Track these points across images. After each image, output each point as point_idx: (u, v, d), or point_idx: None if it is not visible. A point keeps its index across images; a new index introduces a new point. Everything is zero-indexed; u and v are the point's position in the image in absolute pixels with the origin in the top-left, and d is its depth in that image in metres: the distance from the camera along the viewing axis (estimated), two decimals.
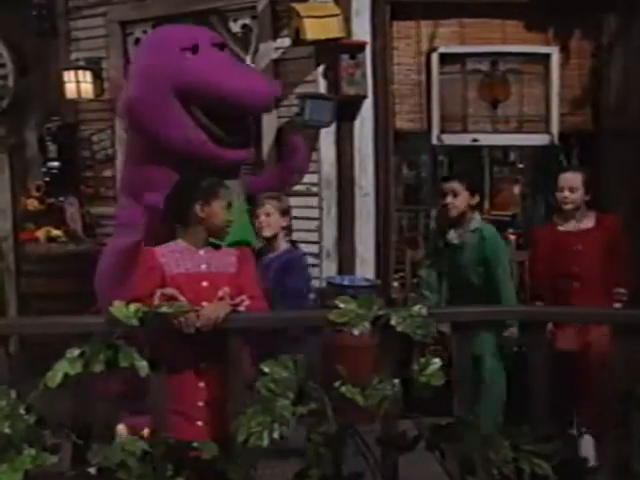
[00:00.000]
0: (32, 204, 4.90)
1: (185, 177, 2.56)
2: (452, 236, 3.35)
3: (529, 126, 4.33)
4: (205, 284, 2.38)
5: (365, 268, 4.11)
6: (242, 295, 2.34)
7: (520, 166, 6.84)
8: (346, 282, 3.91)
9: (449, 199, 3.31)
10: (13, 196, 5.21)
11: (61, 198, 4.84)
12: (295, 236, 4.16)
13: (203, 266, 2.42)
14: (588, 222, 3.29)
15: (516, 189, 7.25)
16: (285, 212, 3.26)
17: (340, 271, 4.12)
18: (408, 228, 5.99)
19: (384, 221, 4.16)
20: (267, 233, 3.21)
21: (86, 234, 4.82)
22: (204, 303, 2.27)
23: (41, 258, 4.71)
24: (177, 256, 2.42)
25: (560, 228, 3.33)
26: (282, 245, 3.25)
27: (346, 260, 4.12)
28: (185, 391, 2.32)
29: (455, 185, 3.30)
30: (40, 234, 4.75)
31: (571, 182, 3.26)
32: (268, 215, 3.20)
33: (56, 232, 4.70)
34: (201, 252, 2.45)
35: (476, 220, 3.35)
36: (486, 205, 7.40)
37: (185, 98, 3.02)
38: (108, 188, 4.84)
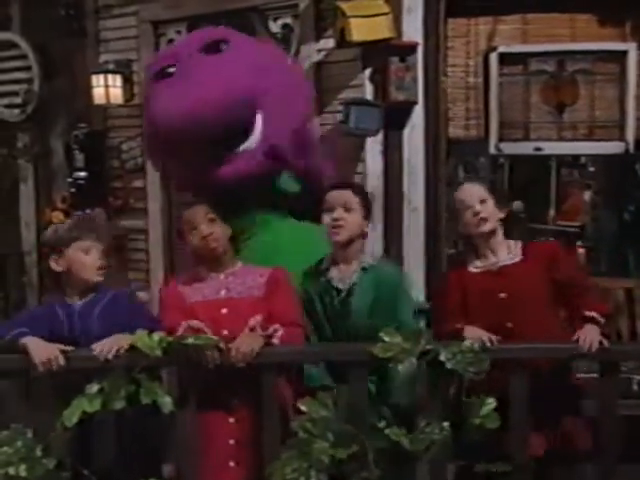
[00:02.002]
0: (57, 217, 4.97)
1: None
2: (334, 275, 2.61)
3: (601, 133, 4.23)
4: (224, 311, 2.41)
5: (414, 289, 4.07)
6: (274, 323, 2.36)
7: (591, 169, 6.68)
8: None
9: (339, 212, 2.57)
10: (37, 208, 5.35)
11: (88, 210, 4.92)
12: None
13: (222, 292, 2.46)
14: (509, 255, 2.61)
15: (586, 195, 7.08)
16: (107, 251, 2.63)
17: None
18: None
19: (435, 238, 4.11)
20: (101, 278, 2.52)
21: (115, 249, 4.90)
22: (224, 332, 2.31)
23: None
24: (196, 283, 2.47)
25: (472, 269, 2.62)
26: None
27: None
28: (214, 429, 2.34)
29: (348, 196, 2.61)
30: None
31: (478, 193, 2.60)
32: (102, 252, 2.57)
33: None
34: (221, 276, 2.49)
35: (367, 256, 2.66)
36: (551, 213, 7.28)
37: None
38: (138, 199, 4.92)
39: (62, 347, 2.25)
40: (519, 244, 2.63)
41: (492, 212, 2.58)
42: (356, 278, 2.58)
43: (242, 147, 3.12)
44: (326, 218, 2.60)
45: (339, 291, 2.59)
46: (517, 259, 2.59)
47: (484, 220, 2.57)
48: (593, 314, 2.44)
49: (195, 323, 2.30)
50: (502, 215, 2.62)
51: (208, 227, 2.47)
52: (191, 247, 2.51)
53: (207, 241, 2.46)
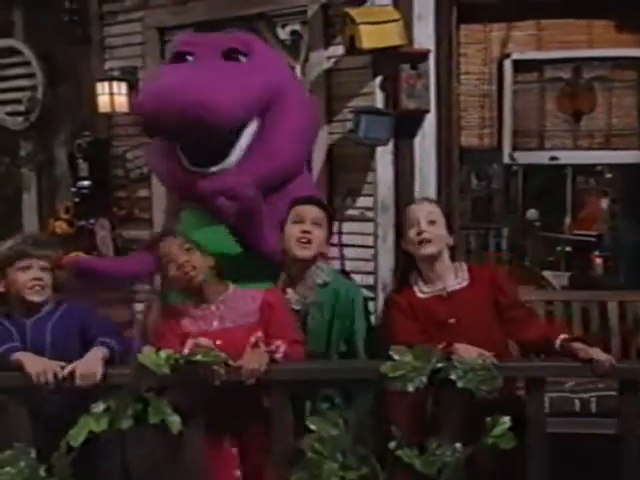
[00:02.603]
0: (60, 227, 5.04)
1: None
2: (291, 297, 2.62)
3: (618, 141, 4.24)
4: (219, 343, 2.41)
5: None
6: (277, 341, 2.37)
7: (609, 176, 6.66)
8: None
9: (309, 226, 2.59)
10: (40, 218, 5.37)
11: (92, 220, 4.97)
12: (349, 266, 4.20)
13: (215, 323, 2.49)
14: (457, 279, 2.57)
15: (604, 203, 7.07)
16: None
17: None
18: (476, 249, 5.91)
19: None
20: (40, 297, 2.57)
21: None
22: None
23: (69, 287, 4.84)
24: (190, 313, 2.50)
25: (419, 295, 2.56)
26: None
27: None
28: (219, 454, 2.36)
29: (318, 212, 2.65)
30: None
31: (427, 213, 2.55)
32: (44, 270, 2.58)
33: None
34: (212, 307, 2.50)
35: (323, 271, 2.64)
36: (567, 221, 7.27)
37: None
38: (143, 210, 4.94)
39: (56, 362, 2.28)
40: (464, 266, 2.60)
41: (438, 235, 2.52)
42: (314, 296, 2.61)
43: (216, 167, 3.17)
44: (294, 229, 2.59)
45: (297, 312, 2.60)
46: (465, 283, 2.55)
47: (427, 242, 2.51)
48: (576, 335, 2.49)
49: (203, 341, 2.33)
50: (450, 242, 2.57)
51: (185, 256, 2.48)
52: (170, 280, 2.52)
53: (184, 270, 2.45)
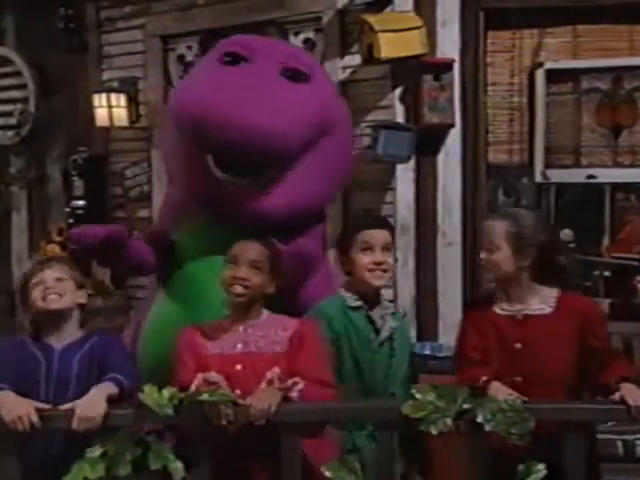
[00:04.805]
0: (53, 250, 5.08)
1: None
2: (375, 316, 2.64)
3: None
4: (239, 367, 2.42)
5: (450, 333, 4.05)
6: (295, 377, 2.38)
7: None
8: (427, 351, 3.90)
9: (382, 255, 2.62)
10: (31, 240, 5.43)
11: None
12: None
13: (239, 345, 2.47)
14: (540, 304, 2.56)
15: None
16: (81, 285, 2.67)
17: (419, 337, 4.11)
18: None
19: (473, 276, 4.13)
20: (58, 305, 2.55)
21: (115, 286, 4.96)
22: (237, 391, 2.32)
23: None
24: (217, 333, 2.50)
25: (497, 310, 2.60)
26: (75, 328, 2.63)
27: (427, 323, 4.12)
28: None
29: (388, 236, 2.67)
30: None
31: (490, 234, 2.58)
32: (60, 280, 2.57)
33: None
34: (240, 328, 2.51)
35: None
36: (605, 242, 7.21)
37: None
38: (143, 231, 4.97)
39: (38, 405, 2.29)
40: (554, 293, 2.57)
41: (500, 261, 2.54)
42: (393, 322, 2.65)
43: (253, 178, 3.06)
44: (364, 259, 2.60)
45: (377, 332, 2.62)
46: (547, 311, 2.55)
47: (489, 269, 2.59)
48: (627, 375, 2.40)
49: (213, 376, 2.34)
50: (525, 263, 2.54)
51: (247, 271, 2.47)
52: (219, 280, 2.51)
53: (235, 283, 2.46)
